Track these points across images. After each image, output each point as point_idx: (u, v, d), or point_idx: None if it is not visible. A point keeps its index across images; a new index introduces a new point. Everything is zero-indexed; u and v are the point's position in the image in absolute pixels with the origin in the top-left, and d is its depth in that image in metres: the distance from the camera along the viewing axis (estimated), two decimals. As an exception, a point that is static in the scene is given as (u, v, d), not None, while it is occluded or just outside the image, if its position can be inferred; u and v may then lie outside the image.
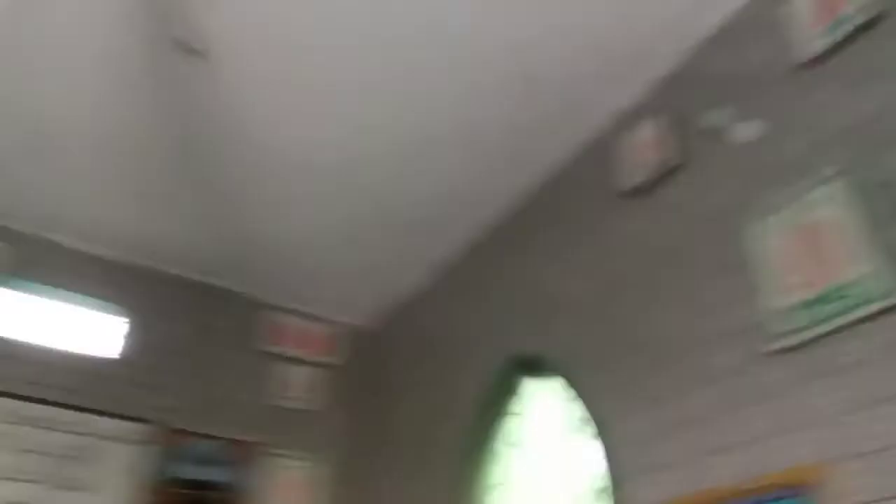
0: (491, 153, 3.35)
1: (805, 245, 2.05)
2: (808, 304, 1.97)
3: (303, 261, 4.16)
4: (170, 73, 2.89)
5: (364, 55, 2.83)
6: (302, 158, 3.40)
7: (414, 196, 3.66)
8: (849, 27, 2.10)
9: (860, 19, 2.07)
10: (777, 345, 2.02)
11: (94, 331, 3.90)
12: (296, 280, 4.32)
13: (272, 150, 3.34)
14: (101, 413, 3.63)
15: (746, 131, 2.38)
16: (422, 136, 3.25)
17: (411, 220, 3.83)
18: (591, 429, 2.73)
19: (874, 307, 1.78)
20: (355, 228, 3.88)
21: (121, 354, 3.90)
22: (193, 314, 4.21)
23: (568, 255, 3.20)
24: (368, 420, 4.52)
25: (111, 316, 3.97)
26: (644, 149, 2.79)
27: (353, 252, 4.08)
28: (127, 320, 3.99)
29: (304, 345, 4.49)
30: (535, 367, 3.24)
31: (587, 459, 2.79)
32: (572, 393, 2.91)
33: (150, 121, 3.16)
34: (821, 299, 1.94)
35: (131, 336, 3.97)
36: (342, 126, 3.20)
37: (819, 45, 2.18)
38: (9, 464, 3.34)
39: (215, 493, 3.80)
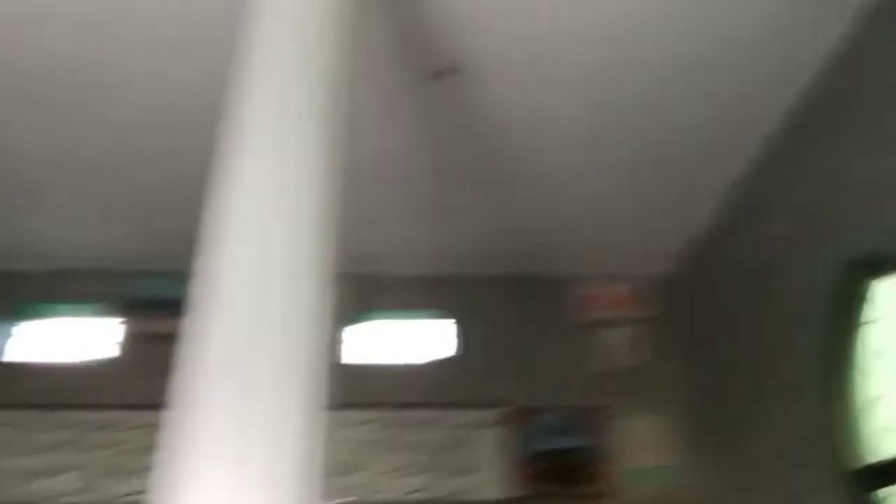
0: (763, 52, 3.02)
1: None
2: None
3: (596, 227, 4.24)
4: (428, 96, 3.18)
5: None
6: (566, 130, 3.45)
7: (688, 126, 3.48)
8: None
9: None
10: None
11: (428, 338, 4.50)
12: (595, 247, 4.40)
13: (536, 135, 3.47)
14: (457, 406, 4.16)
15: None
16: (682, 63, 3.08)
17: (691, 153, 3.66)
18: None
19: None
20: (636, 180, 3.84)
21: (457, 353, 4.43)
22: (510, 304, 4.56)
23: (883, 130, 2.80)
24: (702, 362, 4.45)
25: (440, 322, 4.54)
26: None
27: (640, 204, 4.04)
28: (454, 322, 4.52)
29: (618, 306, 4.58)
30: (881, 264, 2.90)
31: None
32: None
33: (420, 143, 3.51)
34: None
35: (461, 335, 4.47)
36: (604, 72, 3.15)
37: None
38: (401, 461, 4.00)
39: (574, 458, 4.09)
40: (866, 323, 3.05)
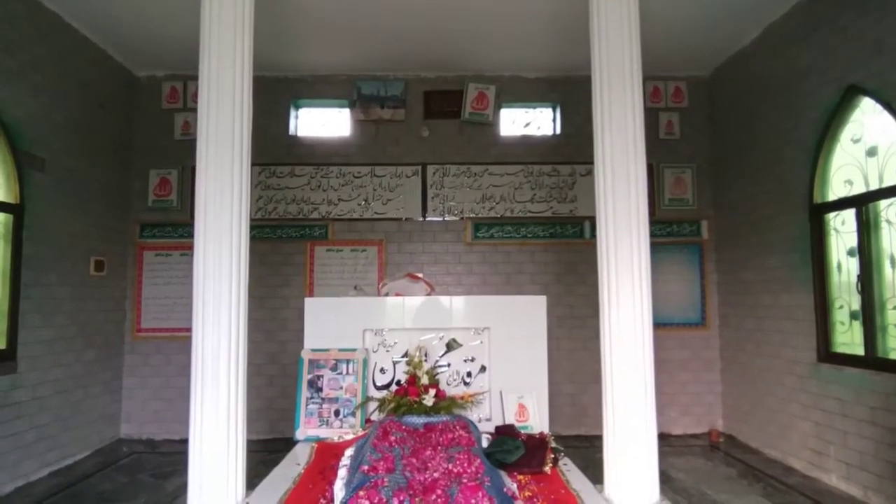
0: None
1: None
2: None
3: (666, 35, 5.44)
4: None
5: None
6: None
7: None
8: None
9: None
10: None
11: (543, 120, 6.27)
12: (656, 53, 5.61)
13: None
14: (563, 163, 6.15)
15: None
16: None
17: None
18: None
19: None
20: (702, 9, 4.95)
21: (560, 131, 6.24)
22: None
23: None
24: (723, 141, 6.03)
25: (550, 109, 6.32)
26: None
27: (696, 10, 5.04)
28: (558, 109, 6.27)
29: (670, 96, 6.27)
30: (870, 94, 4.02)
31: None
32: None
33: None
34: None
35: (563, 119, 6.24)
36: None
37: None
38: (534, 194, 6.18)
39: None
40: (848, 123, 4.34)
